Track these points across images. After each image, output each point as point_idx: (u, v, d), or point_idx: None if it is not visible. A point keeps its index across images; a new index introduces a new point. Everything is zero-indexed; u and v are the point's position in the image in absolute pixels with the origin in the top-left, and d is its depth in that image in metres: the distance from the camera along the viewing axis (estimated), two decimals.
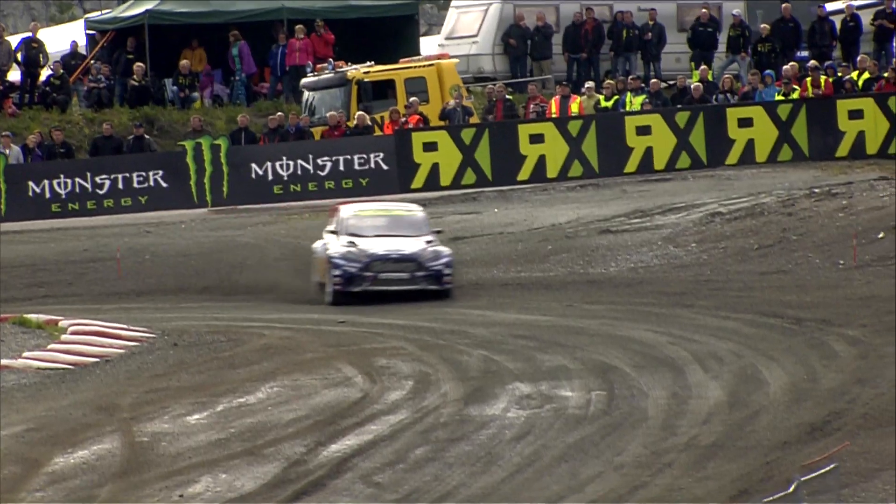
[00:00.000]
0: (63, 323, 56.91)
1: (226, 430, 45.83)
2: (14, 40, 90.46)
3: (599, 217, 71.90)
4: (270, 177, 76.44)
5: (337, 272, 52.99)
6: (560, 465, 44.85)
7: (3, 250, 71.72)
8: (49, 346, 56.92)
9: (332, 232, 50.67)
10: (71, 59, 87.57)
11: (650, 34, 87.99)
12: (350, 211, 55.57)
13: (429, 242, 54.03)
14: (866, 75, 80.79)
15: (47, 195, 75.72)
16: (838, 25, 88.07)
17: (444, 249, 54.36)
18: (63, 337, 54.96)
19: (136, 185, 76.35)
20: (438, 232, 52.07)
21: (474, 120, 79.50)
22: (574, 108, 79.73)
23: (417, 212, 55.95)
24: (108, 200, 75.24)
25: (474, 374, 50.60)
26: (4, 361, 53.53)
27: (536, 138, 77.54)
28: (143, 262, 70.08)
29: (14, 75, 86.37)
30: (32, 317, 57.92)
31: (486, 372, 50.23)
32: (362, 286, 53.01)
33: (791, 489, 30.51)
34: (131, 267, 68.79)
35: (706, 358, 51.58)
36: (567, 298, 60.16)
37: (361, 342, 54.02)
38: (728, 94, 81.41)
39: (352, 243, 53.50)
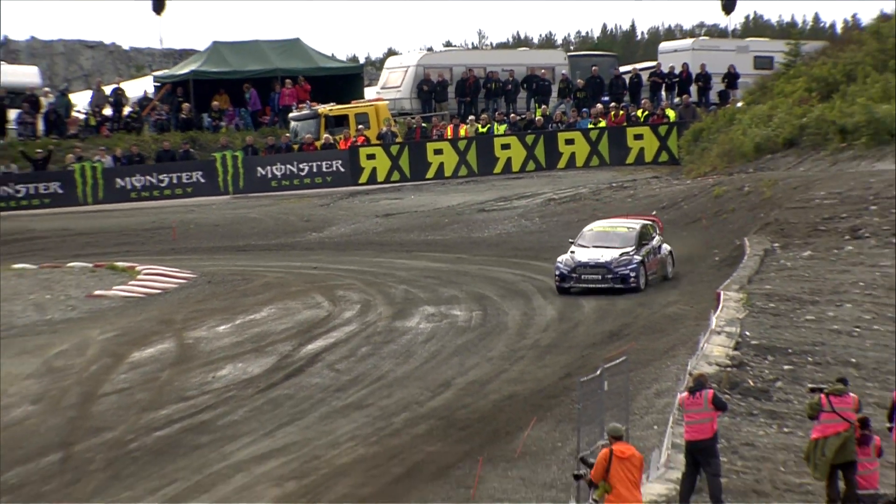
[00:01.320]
0: (138, 268, 58.54)
1: (241, 335, 49.61)
2: (108, 89, 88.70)
3: (478, 202, 72.35)
4: (269, 176, 76.09)
5: (556, 272, 51.25)
6: (452, 358, 48.66)
7: (100, 222, 70.83)
8: (129, 283, 61.02)
9: (571, 243, 50.19)
10: (143, 101, 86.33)
11: (510, 86, 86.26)
12: (590, 226, 53.79)
13: (624, 254, 51.07)
14: (646, 112, 79.65)
15: (128, 187, 74.87)
16: (628, 81, 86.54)
17: (636, 258, 51.25)
18: (138, 277, 57.05)
19: (184, 180, 76.92)
20: (644, 243, 52.10)
21: (399, 139, 78.51)
22: (462, 132, 78.88)
23: (633, 228, 52.69)
24: (167, 190, 75.78)
25: (398, 300, 55.36)
26: (100, 292, 56.60)
27: (438, 151, 79.19)
28: (189, 230, 70.64)
29: (107, 111, 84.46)
30: (119, 264, 60.22)
31: (406, 299, 55.50)
32: (570, 283, 50.80)
33: (598, 373, 30.23)
34: (181, 233, 69.86)
35: (545, 291, 50.44)
36: (457, 253, 60.18)
37: (328, 280, 57.86)
38: (558, 124, 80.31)
39: (572, 252, 51.39)
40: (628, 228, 53.33)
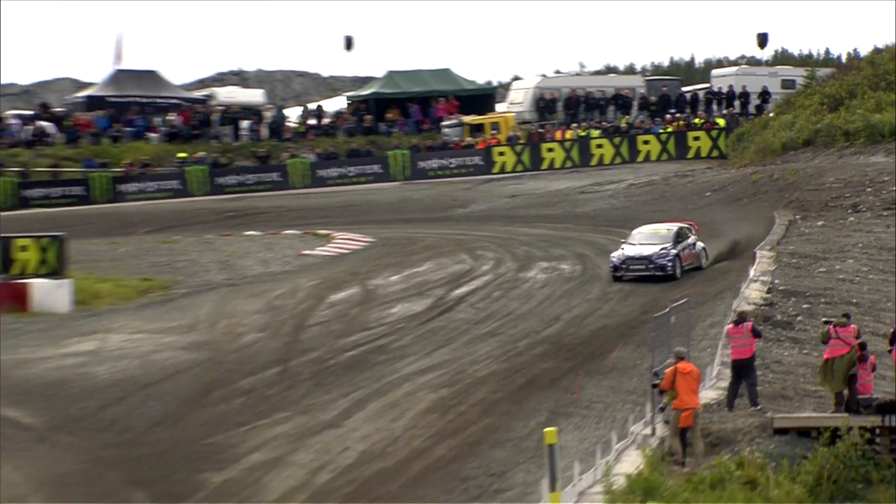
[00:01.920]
0: (334, 234, 58.57)
1: (407, 283, 50.37)
2: (312, 105, 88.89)
3: (578, 186, 72.43)
4: (427, 167, 76.06)
5: (610, 264, 48.67)
6: (561, 300, 48.44)
7: (307, 202, 70.80)
8: (328, 245, 61.00)
9: (623, 242, 49.94)
10: (338, 114, 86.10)
11: (602, 102, 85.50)
12: (638, 228, 50.90)
13: (662, 248, 48.35)
14: (701, 120, 78.70)
15: (326, 176, 75.95)
16: (689, 97, 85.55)
17: (673, 252, 48.39)
18: (334, 241, 57.61)
19: (366, 171, 77.08)
20: (681, 241, 49.38)
21: (521, 141, 77.85)
22: (567, 136, 78.23)
23: (671, 230, 49.88)
24: (354, 179, 76.12)
25: (521, 257, 55.72)
26: (306, 251, 59.40)
27: (550, 150, 78.91)
28: (371, 207, 68.74)
29: (312, 121, 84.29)
30: (320, 231, 60.06)
31: (527, 257, 55.96)
32: (621, 273, 48.13)
33: (667, 310, 30.31)
34: (366, 209, 67.14)
35: None
36: (564, 223, 60.19)
37: (470, 243, 58.43)
38: (637, 129, 79.28)
39: (622, 248, 48.95)
40: (667, 230, 50.28)
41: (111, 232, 62.98)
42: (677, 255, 48.54)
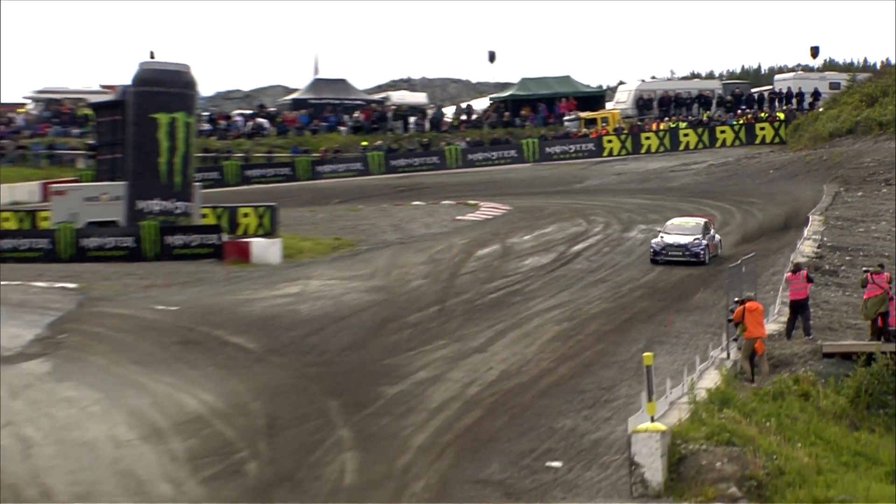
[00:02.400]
0: (480, 204, 58.83)
1: (537, 242, 51.25)
2: (463, 105, 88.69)
3: (669, 166, 72.57)
4: (552, 152, 76.26)
5: (651, 250, 44.44)
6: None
7: (459, 179, 70.99)
8: (475, 212, 60.98)
9: (659, 231, 45.77)
10: (484, 112, 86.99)
11: (688, 100, 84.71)
12: (670, 221, 46.80)
13: (695, 238, 44.03)
14: (766, 114, 77.89)
15: (474, 159, 76.13)
16: (756, 97, 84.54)
17: (703, 242, 44.14)
18: (480, 209, 59.22)
19: (505, 156, 77.03)
20: (707, 232, 44.82)
21: (625, 131, 77.22)
22: (661, 127, 77.63)
23: (700, 221, 45.68)
24: (495, 161, 76.15)
25: (625, 221, 55.38)
26: (459, 217, 59.18)
27: (647, 138, 77.75)
28: (508, 183, 69.30)
29: (463, 117, 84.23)
30: (470, 201, 59.97)
31: (629, 221, 54.20)
32: (661, 257, 43.96)
33: (739, 262, 30.47)
34: (501, 183, 67.15)
35: (739, 208, 50.03)
36: (658, 195, 60.46)
37: (585, 211, 58.83)
38: (716, 122, 78.23)
39: (661, 237, 44.69)
40: (696, 223, 45.72)
41: (311, 202, 63.38)
42: (707, 245, 44.46)
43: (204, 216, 53.23)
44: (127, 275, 45.65)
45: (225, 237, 50.21)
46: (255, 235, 51.68)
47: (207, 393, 29.08)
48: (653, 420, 23.74)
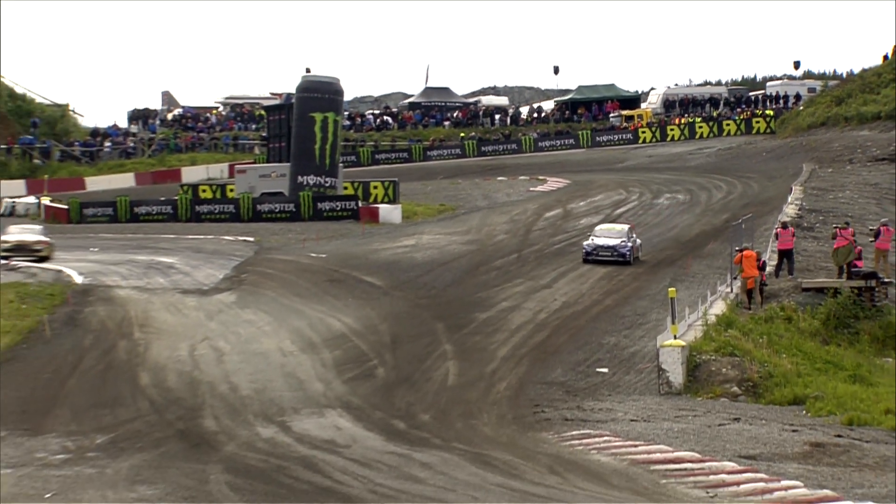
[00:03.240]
0: (547, 179, 59.06)
1: (588, 207, 51.33)
2: (535, 105, 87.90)
3: (689, 150, 71.70)
4: (601, 140, 75.52)
5: (583, 250, 36.34)
6: (679, 216, 47.69)
7: (529, 160, 72.29)
8: (542, 185, 59.25)
9: (590, 234, 37.52)
10: (550, 111, 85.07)
11: (702, 101, 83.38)
12: (599, 226, 38.54)
13: (622, 241, 36.29)
14: (760, 112, 76.72)
15: (543, 145, 76.36)
16: (753, 98, 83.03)
17: (629, 244, 36.56)
18: (546, 182, 58.47)
19: (565, 143, 76.22)
20: (631, 236, 37.18)
21: (655, 125, 76.20)
22: (682, 122, 76.63)
23: (625, 227, 37.84)
24: (559, 147, 74.31)
25: (654, 191, 53.44)
26: (532, 188, 58.46)
27: (672, 129, 76.68)
28: (568, 163, 69.46)
29: (534, 115, 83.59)
30: (540, 177, 60.85)
31: (658, 191, 53.00)
32: (591, 256, 35.97)
33: (739, 221, 29.42)
34: (562, 163, 67.10)
35: (719, 187, 49.07)
36: (682, 172, 60.39)
37: (623, 183, 57.34)
38: (723, 117, 76.88)
39: (592, 240, 36.62)
40: (621, 228, 38.01)
41: (422, 178, 63.34)
42: (632, 247, 36.88)
43: (345, 188, 53.45)
44: (289, 231, 45.89)
45: (360, 203, 50.32)
46: (382, 202, 51.81)
47: (348, 317, 29.28)
48: (675, 338, 24.07)
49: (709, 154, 69.88)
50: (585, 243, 37.47)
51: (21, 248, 36.65)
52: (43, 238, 37.54)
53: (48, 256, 36.77)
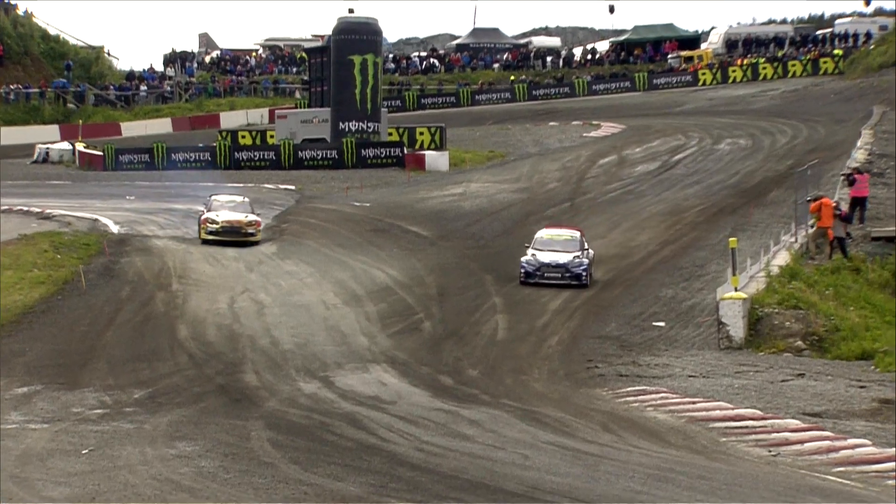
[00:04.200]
0: (601, 124, 59.53)
1: (644, 154, 50.96)
2: (588, 46, 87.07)
3: (752, 92, 71.68)
4: (658, 83, 75.05)
5: (522, 270, 28.03)
6: (742, 161, 46.22)
7: (582, 104, 71.33)
8: (596, 131, 57.89)
9: (527, 245, 28.83)
10: (604, 53, 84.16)
11: (766, 41, 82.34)
12: (539, 233, 29.37)
13: (575, 256, 28.19)
14: (828, 51, 75.47)
15: (597, 88, 74.53)
16: (820, 38, 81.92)
17: (585, 260, 28.27)
18: (601, 128, 58.26)
19: (620, 86, 75.76)
20: (584, 247, 28.81)
21: (715, 66, 75.69)
22: (745, 63, 76.03)
23: (575, 234, 29.29)
24: (613, 91, 74.56)
25: (714, 136, 52.39)
26: (585, 134, 57.71)
27: (733, 71, 75.44)
28: (624, 107, 69.69)
29: (588, 56, 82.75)
30: (594, 122, 58.83)
31: (718, 136, 51.72)
32: (535, 279, 27.90)
33: (805, 167, 29.18)
34: (618, 108, 67.21)
35: (784, 132, 50.69)
36: (743, 116, 58.63)
37: (682, 128, 56.18)
38: (788, 57, 75.83)
39: (533, 254, 28.30)
40: (571, 236, 29.46)
41: (470, 123, 63.22)
42: (588, 264, 28.71)
43: (389, 134, 53.57)
44: (332, 179, 46.11)
45: (405, 150, 50.36)
46: (429, 149, 51.86)
47: (393, 269, 29.47)
48: (736, 290, 24.03)
49: (773, 96, 68.90)
50: (524, 260, 28.80)
51: (231, 231, 31.79)
52: (255, 217, 32.64)
53: (259, 241, 32.11)
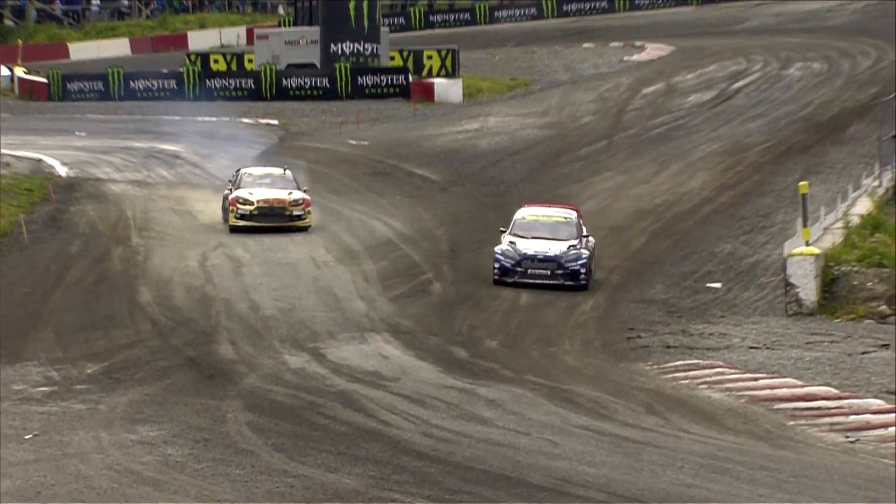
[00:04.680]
0: (646, 45, 55.84)
1: (698, 80, 49.91)
2: None
3: (827, 7, 68.87)
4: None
5: (496, 265, 24.58)
6: (812, 90, 45.03)
7: (628, 22, 68.51)
8: (641, 53, 56.57)
9: (503, 231, 25.39)
10: None
11: None
12: (521, 212, 25.81)
13: (570, 246, 24.65)
14: None
15: (642, 3, 72.25)
16: None
17: (584, 252, 24.67)
18: (644, 51, 54.92)
19: (669, 1, 72.87)
20: (583, 233, 25.26)
21: None
22: None
23: (571, 218, 25.51)
24: (663, 4, 71.62)
25: (783, 60, 50.41)
26: (626, 57, 57.16)
27: None
28: (673, 24, 68.28)
29: None
30: (637, 43, 58.45)
31: (787, 59, 50.30)
32: (514, 278, 24.41)
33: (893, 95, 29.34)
34: (666, 25, 65.35)
35: (857, 66, 48.88)
36: (817, 34, 58.20)
37: (746, 50, 52.85)
38: None
39: (512, 243, 24.69)
40: (566, 218, 25.84)
41: (489, 45, 62.85)
42: (588, 256, 25.14)
43: (391, 58, 53.39)
44: (323, 112, 46.09)
45: (411, 78, 50.24)
46: (438, 76, 51.72)
47: (395, 220, 29.52)
48: (807, 244, 23.96)
49: (853, 11, 68.17)
50: (499, 251, 25.36)
51: (271, 214, 28.52)
52: (301, 194, 29.04)
53: (309, 226, 28.95)
